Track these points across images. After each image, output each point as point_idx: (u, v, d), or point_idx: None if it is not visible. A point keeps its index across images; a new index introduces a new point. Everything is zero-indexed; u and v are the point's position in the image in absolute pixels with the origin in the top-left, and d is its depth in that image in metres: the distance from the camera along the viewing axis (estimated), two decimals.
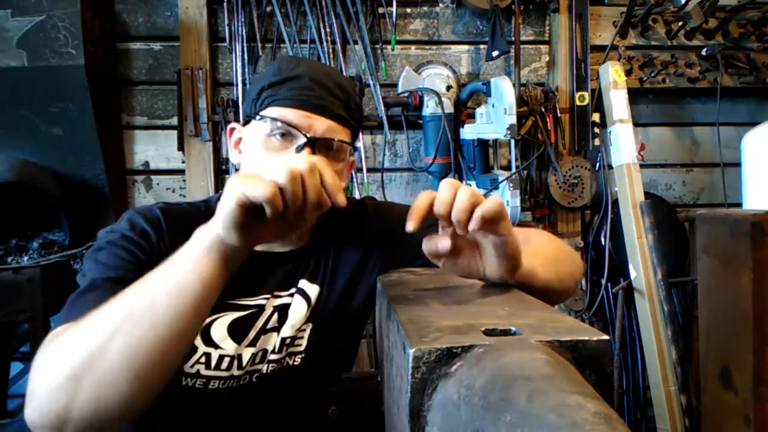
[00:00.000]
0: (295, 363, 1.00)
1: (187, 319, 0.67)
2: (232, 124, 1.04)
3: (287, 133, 0.92)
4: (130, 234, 0.90)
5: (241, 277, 0.98)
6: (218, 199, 1.05)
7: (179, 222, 0.94)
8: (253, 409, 0.96)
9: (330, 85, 0.94)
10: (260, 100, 0.94)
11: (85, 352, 0.65)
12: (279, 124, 0.91)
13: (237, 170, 2.22)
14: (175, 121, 2.23)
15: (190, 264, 0.68)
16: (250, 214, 0.67)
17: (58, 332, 0.72)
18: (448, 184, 0.72)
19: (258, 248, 1.01)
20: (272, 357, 0.97)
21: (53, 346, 0.69)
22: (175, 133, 2.21)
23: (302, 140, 0.91)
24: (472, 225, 0.70)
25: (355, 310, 1.05)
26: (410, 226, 0.72)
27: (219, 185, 2.24)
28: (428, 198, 0.72)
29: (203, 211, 1.01)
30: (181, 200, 2.29)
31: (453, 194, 0.71)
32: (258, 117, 0.94)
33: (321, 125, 0.92)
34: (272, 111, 0.93)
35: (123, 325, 0.65)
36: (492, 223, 0.71)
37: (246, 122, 0.99)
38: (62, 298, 2.00)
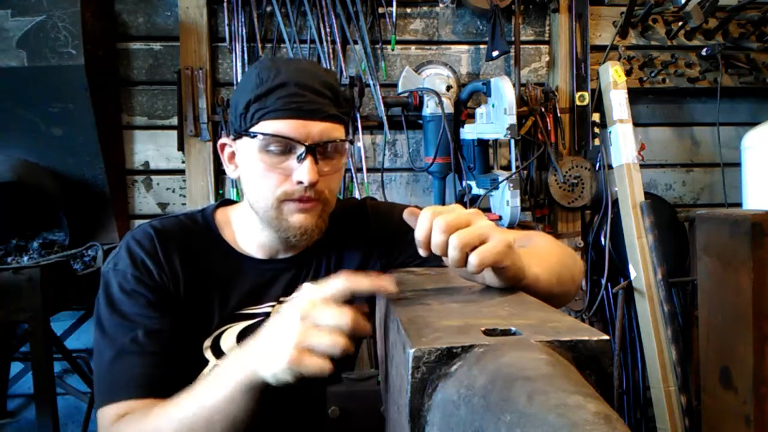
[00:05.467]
0: None
1: None
2: (222, 140, 1.01)
3: (285, 145, 0.91)
4: (135, 272, 0.92)
5: (249, 287, 0.99)
6: (216, 208, 1.06)
7: (174, 240, 0.96)
8: (259, 413, 0.97)
9: (316, 86, 0.92)
10: (249, 115, 0.91)
11: None
12: (275, 138, 0.90)
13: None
14: (175, 121, 2.22)
15: (235, 403, 0.75)
16: None
17: (114, 421, 0.84)
18: (439, 225, 0.72)
19: (263, 256, 1.02)
20: None
21: None
22: (175, 133, 2.21)
23: (301, 150, 0.90)
24: (471, 270, 0.71)
25: None
26: (424, 252, 0.74)
27: (219, 185, 2.24)
28: (428, 228, 0.73)
29: (201, 225, 1.03)
30: (182, 201, 2.29)
31: (445, 238, 0.71)
32: (252, 135, 0.91)
33: (316, 129, 0.91)
34: (265, 125, 0.90)
35: None
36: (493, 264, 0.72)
37: (237, 137, 0.96)
38: (62, 298, 1.99)
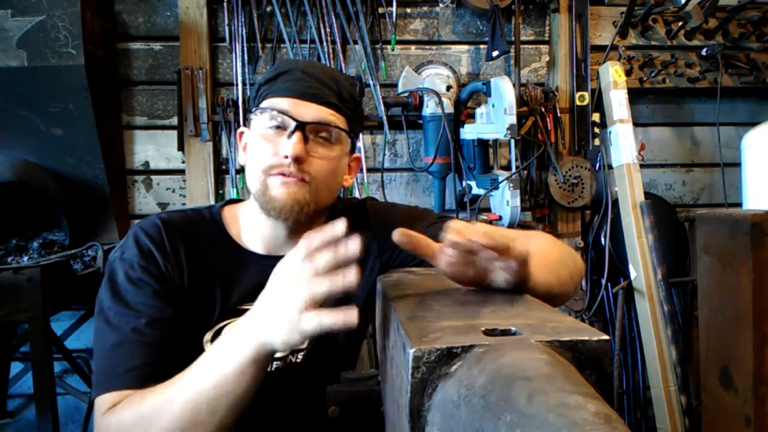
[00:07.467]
0: (298, 360, 1.03)
1: (231, 413, 0.77)
2: (241, 128, 1.07)
3: (281, 122, 0.95)
4: (142, 261, 0.93)
5: (251, 283, 1.00)
6: (224, 206, 1.07)
7: (180, 232, 0.98)
8: (258, 408, 0.97)
9: (322, 76, 0.97)
10: (258, 97, 0.99)
11: None
12: (271, 111, 0.95)
13: (238, 171, 2.21)
14: (175, 121, 2.23)
15: (241, 378, 0.75)
16: None
17: (108, 408, 0.83)
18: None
19: (266, 252, 1.03)
20: (277, 355, 0.99)
21: None
22: (175, 133, 2.21)
23: (293, 125, 0.93)
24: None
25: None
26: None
27: (219, 185, 2.24)
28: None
29: (208, 220, 1.04)
30: (182, 201, 2.29)
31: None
32: (254, 110, 0.98)
33: (311, 110, 0.95)
34: (266, 103, 0.97)
35: (175, 424, 0.76)
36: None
37: (248, 124, 1.03)
38: (62, 298, 1.98)
